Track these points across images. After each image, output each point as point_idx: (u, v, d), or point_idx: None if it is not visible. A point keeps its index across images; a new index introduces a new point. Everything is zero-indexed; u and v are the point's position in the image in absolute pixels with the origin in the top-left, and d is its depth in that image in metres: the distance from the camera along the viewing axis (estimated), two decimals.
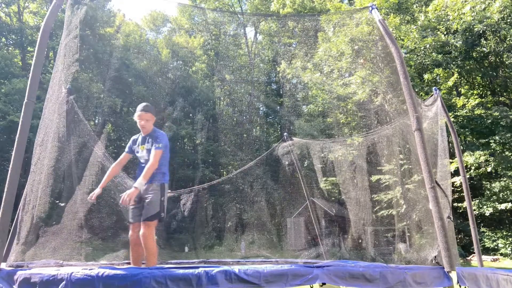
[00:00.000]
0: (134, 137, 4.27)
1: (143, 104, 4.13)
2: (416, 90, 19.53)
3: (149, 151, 3.98)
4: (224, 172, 30.97)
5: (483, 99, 22.00)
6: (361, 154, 10.60)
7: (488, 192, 18.76)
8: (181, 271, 2.89)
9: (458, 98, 21.42)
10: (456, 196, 15.95)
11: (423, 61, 20.95)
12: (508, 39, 20.50)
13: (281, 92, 33.41)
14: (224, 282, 2.85)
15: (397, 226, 15.23)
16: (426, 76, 22.22)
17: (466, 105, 20.56)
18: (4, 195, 3.20)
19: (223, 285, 2.84)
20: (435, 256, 4.00)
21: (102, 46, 27.61)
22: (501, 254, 17.98)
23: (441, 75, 22.25)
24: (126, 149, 4.25)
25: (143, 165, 3.99)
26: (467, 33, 19.92)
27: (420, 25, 20.47)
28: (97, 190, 4.03)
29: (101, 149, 6.30)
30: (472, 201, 15.07)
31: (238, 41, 37.84)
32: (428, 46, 20.36)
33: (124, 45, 30.62)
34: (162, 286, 2.77)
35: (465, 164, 17.13)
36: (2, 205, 3.19)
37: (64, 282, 2.78)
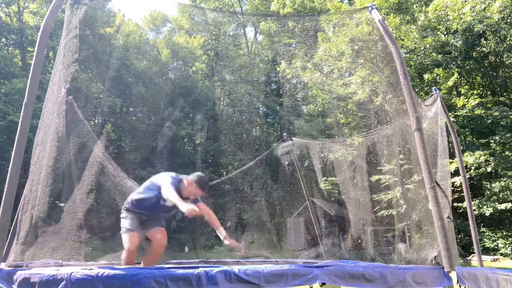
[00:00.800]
0: (175, 178, 3.98)
1: (203, 177, 3.97)
2: (416, 90, 19.52)
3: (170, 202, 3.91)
4: (224, 172, 30.95)
5: (483, 99, 22.00)
6: (361, 154, 10.61)
7: (488, 192, 18.75)
8: (181, 271, 2.89)
9: (458, 98, 21.41)
10: (456, 196, 15.95)
11: (423, 61, 20.94)
12: (508, 39, 20.50)
13: (281, 92, 33.38)
14: (224, 282, 2.85)
15: (397, 226, 15.22)
16: (426, 76, 22.21)
17: (466, 105, 20.55)
18: (4, 195, 3.20)
19: (223, 285, 2.84)
20: (435, 256, 4.00)
21: (102, 46, 27.60)
22: (501, 254, 17.97)
23: (441, 75, 22.24)
24: (173, 184, 3.88)
25: (158, 203, 3.97)
26: (467, 33, 19.92)
27: (420, 25, 20.47)
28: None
29: (100, 149, 6.30)
30: (472, 201, 15.05)
31: (238, 41, 37.82)
32: (428, 46, 20.36)
33: (124, 45, 30.60)
34: (162, 286, 2.77)
35: (465, 164, 17.12)
36: (2, 205, 3.18)
37: (63, 282, 2.77)
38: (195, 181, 3.89)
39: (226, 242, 3.87)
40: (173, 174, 4.03)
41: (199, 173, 4.00)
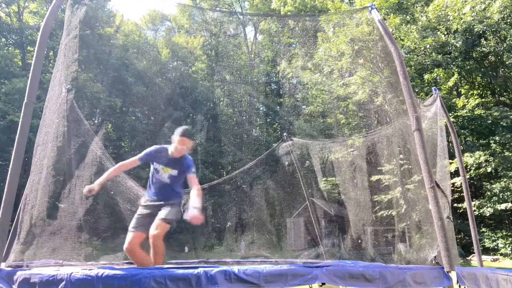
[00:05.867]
0: (157, 150, 3.99)
1: (186, 128, 4.02)
2: (416, 90, 19.54)
3: (172, 177, 3.95)
4: (224, 173, 30.94)
5: (483, 99, 22.00)
6: (361, 154, 10.62)
7: (489, 193, 18.73)
8: (180, 271, 2.89)
9: (458, 98, 21.41)
10: (456, 196, 15.95)
11: (423, 61, 20.95)
12: (508, 39, 20.49)
13: (281, 92, 33.39)
14: (223, 282, 2.85)
15: (397, 226, 15.22)
16: (426, 76, 22.21)
17: (466, 106, 20.55)
18: (4, 195, 3.20)
19: (223, 285, 2.84)
20: (434, 256, 4.00)
21: (102, 46, 27.60)
22: (501, 254, 17.97)
23: (441, 75, 22.25)
24: (141, 157, 3.95)
25: (160, 183, 3.95)
26: (467, 33, 19.92)
27: (420, 25, 20.47)
28: (95, 187, 3.74)
29: (100, 149, 6.30)
30: (473, 201, 15.03)
31: (238, 41, 37.81)
32: (428, 46, 20.36)
33: (123, 45, 30.60)
34: (161, 286, 2.77)
35: (465, 165, 17.10)
36: (2, 205, 3.18)
37: (63, 282, 2.78)
38: (189, 136, 3.92)
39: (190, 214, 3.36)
40: (151, 148, 4.03)
41: (184, 128, 3.99)
